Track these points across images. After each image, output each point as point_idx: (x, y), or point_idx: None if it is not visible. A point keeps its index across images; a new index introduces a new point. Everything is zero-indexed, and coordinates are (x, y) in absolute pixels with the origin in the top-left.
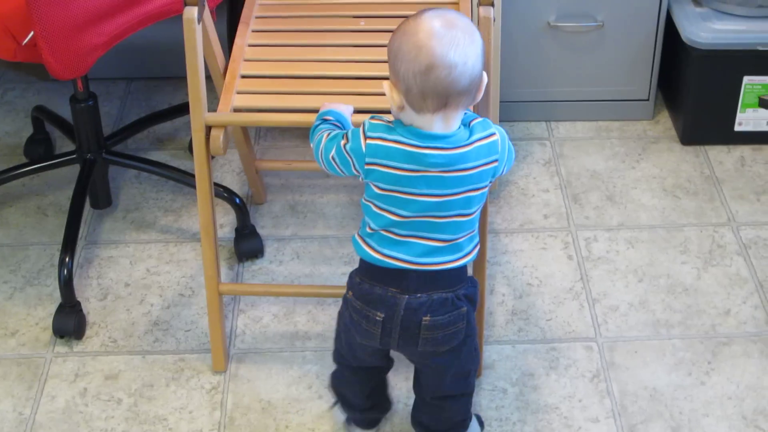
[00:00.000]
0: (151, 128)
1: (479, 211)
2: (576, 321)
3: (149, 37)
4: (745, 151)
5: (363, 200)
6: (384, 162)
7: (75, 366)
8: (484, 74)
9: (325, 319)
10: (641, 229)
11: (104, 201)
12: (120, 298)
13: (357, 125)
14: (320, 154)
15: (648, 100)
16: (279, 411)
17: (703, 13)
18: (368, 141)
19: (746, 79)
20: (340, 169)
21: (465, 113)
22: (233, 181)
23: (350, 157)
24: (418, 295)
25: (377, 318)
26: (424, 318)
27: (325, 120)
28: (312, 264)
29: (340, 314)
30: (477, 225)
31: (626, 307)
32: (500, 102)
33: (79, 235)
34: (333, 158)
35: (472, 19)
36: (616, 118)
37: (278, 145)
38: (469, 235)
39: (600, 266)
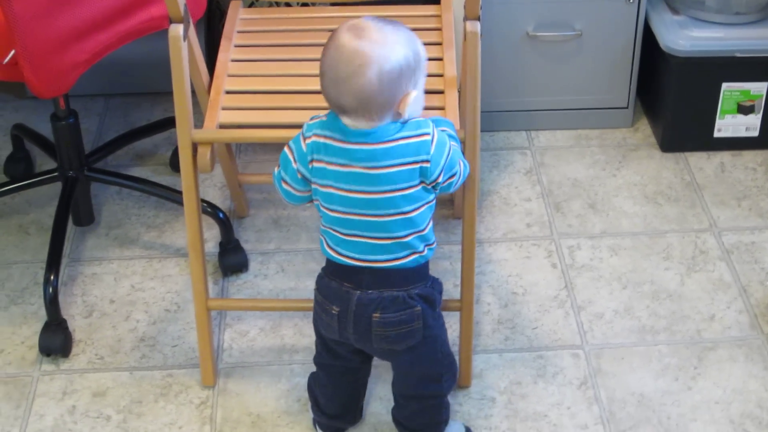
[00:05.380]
0: (131, 145)
1: (424, 210)
2: (562, 329)
3: (127, 54)
4: (724, 157)
5: (313, 199)
6: (318, 157)
7: (62, 384)
8: (411, 93)
9: (311, 331)
10: (624, 236)
11: (87, 218)
12: (105, 315)
13: None
14: (277, 189)
15: (627, 108)
16: (269, 424)
17: (681, 21)
18: (306, 141)
19: (725, 85)
20: (293, 188)
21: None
22: (215, 196)
23: (296, 165)
24: (370, 291)
25: (333, 312)
26: (374, 314)
27: None
28: (297, 277)
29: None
30: (426, 225)
31: (611, 314)
32: (480, 112)
33: (62, 253)
34: (285, 181)
35: (456, 34)
36: (596, 127)
37: (259, 159)
38: (416, 234)
39: (584, 274)
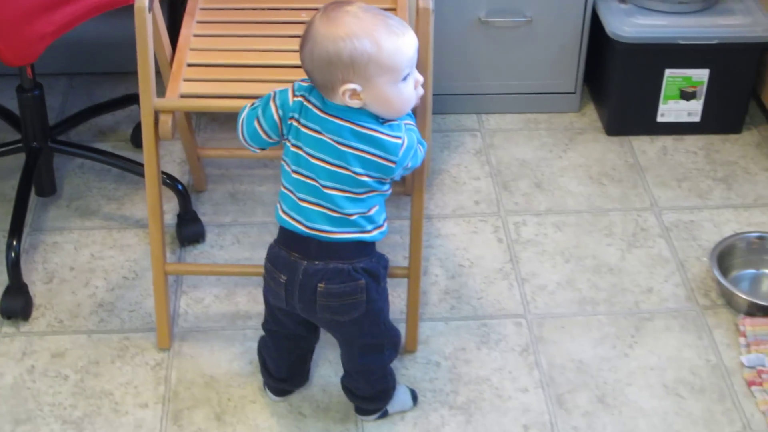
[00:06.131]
0: (93, 121)
1: (374, 195)
2: (506, 299)
3: (91, 33)
4: (667, 141)
5: (282, 159)
6: (297, 117)
7: (22, 345)
8: (346, 86)
9: None
10: (568, 214)
11: (49, 189)
12: (65, 281)
13: None
14: (242, 124)
15: (574, 93)
16: (221, 385)
17: (627, 9)
18: (295, 98)
19: (668, 71)
20: (263, 129)
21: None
22: (174, 171)
23: (275, 108)
24: (317, 262)
25: (281, 280)
26: (319, 285)
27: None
28: (252, 248)
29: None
30: (371, 208)
31: (554, 286)
32: (432, 95)
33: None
34: (258, 119)
35: (409, 13)
36: (544, 111)
37: (217, 137)
38: (363, 214)
39: (529, 248)
